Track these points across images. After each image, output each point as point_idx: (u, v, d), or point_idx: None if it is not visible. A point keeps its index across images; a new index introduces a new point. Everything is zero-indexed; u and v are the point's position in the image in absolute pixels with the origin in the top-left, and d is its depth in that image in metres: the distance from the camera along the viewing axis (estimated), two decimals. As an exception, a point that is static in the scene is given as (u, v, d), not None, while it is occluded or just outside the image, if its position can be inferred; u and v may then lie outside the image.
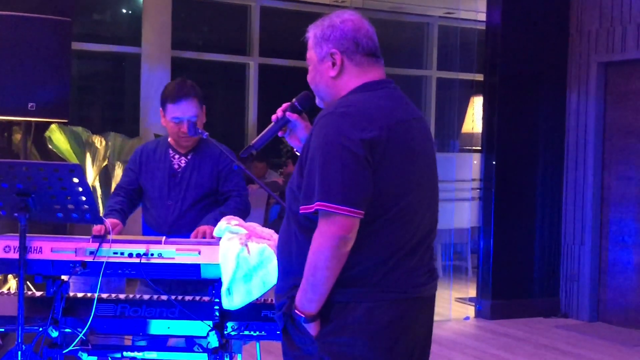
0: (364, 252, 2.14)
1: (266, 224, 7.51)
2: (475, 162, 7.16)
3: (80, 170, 2.76)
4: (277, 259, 2.36)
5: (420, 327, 2.29)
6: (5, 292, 3.25)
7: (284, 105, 2.54)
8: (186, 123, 3.37)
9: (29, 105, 4.56)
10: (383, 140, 2.13)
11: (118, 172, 5.41)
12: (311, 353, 2.21)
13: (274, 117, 2.55)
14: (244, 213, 3.36)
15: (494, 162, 6.76)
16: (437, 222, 2.37)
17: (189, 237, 3.23)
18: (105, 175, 5.58)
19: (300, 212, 2.17)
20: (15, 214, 2.78)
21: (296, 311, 2.19)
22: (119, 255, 2.90)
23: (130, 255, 2.90)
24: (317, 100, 2.42)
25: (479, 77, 7.15)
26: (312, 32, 2.34)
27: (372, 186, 2.12)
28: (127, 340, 3.56)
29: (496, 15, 6.79)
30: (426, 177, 2.28)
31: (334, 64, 2.29)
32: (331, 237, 2.08)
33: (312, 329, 2.18)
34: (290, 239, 2.27)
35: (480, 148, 7.15)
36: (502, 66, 6.78)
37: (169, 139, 3.52)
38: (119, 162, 5.49)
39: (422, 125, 2.31)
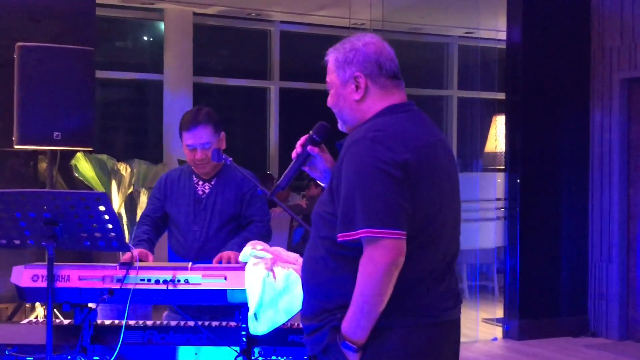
0: (399, 276, 2.11)
1: (289, 247, 7.50)
2: (499, 180, 7.13)
3: (106, 198, 2.78)
4: (302, 282, 2.34)
5: (448, 350, 2.28)
6: (34, 320, 3.27)
7: (302, 139, 2.51)
8: (200, 151, 3.40)
9: (55, 135, 4.61)
10: (414, 163, 2.13)
11: (143, 199, 5.44)
12: None
13: (294, 154, 2.52)
14: (266, 238, 3.38)
15: (518, 181, 6.72)
16: (459, 245, 2.35)
17: None
18: (130, 202, 5.62)
19: (339, 240, 2.14)
20: (43, 243, 2.80)
21: (346, 341, 2.14)
22: (145, 282, 2.91)
23: (157, 281, 2.91)
24: (339, 125, 2.40)
25: (501, 95, 7.13)
26: (333, 56, 2.33)
27: (411, 207, 2.11)
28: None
29: (517, 34, 6.78)
30: (450, 199, 2.27)
31: (357, 87, 2.27)
32: (383, 262, 2.06)
33: (355, 358, 2.15)
34: (317, 264, 2.24)
35: (504, 167, 7.11)
36: (524, 84, 6.76)
37: (188, 163, 3.56)
38: (143, 189, 5.53)
39: (445, 147, 2.31)
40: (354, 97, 2.28)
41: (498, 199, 7.11)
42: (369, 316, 2.10)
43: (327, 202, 2.23)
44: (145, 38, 9.69)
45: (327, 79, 2.36)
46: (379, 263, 2.06)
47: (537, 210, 6.78)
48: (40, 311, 4.72)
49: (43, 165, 5.28)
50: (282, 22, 9.45)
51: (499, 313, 7.07)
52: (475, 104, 8.26)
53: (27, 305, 4.93)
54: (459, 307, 2.32)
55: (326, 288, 2.21)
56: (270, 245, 3.13)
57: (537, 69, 6.80)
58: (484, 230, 7.00)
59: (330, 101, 2.36)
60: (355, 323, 2.12)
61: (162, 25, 8.87)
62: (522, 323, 6.68)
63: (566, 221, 6.86)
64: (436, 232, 2.19)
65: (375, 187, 2.09)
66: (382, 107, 2.27)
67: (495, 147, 7.97)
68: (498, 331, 6.82)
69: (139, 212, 5.35)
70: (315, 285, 2.26)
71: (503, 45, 7.03)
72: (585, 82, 6.94)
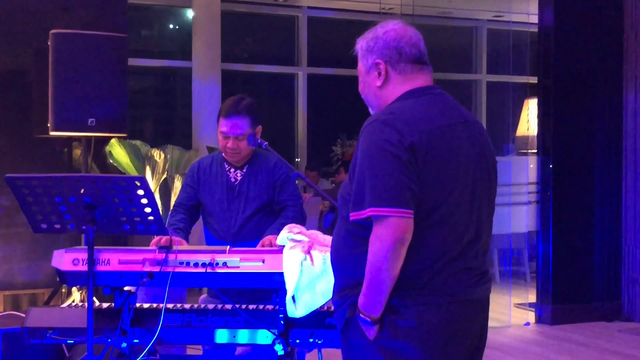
0: (410, 256, 2.18)
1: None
2: (531, 165, 7.07)
3: (145, 183, 2.80)
4: (332, 263, 2.42)
5: (472, 330, 2.32)
6: (73, 304, 3.30)
7: None
8: (232, 140, 3.42)
9: (89, 121, 4.64)
10: (424, 144, 2.19)
11: (177, 185, 5.48)
12: (367, 356, 2.26)
13: None
14: (301, 222, 3.40)
15: (550, 165, 6.66)
16: (489, 225, 2.38)
17: (252, 244, 3.26)
18: (164, 187, 5.66)
19: (351, 219, 2.23)
20: (84, 227, 2.83)
21: (361, 315, 2.23)
22: (184, 265, 2.93)
23: (196, 264, 2.92)
24: (370, 111, 2.48)
25: (533, 79, 7.07)
26: (359, 45, 2.42)
27: (418, 187, 2.17)
28: (190, 350, 3.61)
29: (548, 16, 6.70)
30: (473, 180, 2.29)
31: (379, 74, 2.36)
32: (388, 239, 2.13)
33: (372, 332, 2.23)
34: (340, 244, 2.34)
35: (536, 151, 7.05)
36: (556, 67, 6.69)
37: (223, 153, 3.57)
38: (177, 175, 5.56)
39: (472, 129, 2.34)
40: (376, 83, 2.37)
41: (530, 183, 7.05)
42: (379, 291, 2.18)
43: (348, 183, 2.32)
44: (171, 26, 9.72)
45: (357, 68, 2.46)
46: (385, 240, 2.13)
47: (569, 194, 6.72)
48: (77, 295, 4.77)
49: (77, 152, 5.33)
50: (309, 7, 9.42)
51: (532, 298, 7.04)
52: (506, 88, 8.20)
53: (64, 290, 4.98)
54: (486, 286, 2.35)
55: (347, 266, 2.30)
56: (309, 230, 3.13)
57: (570, 52, 6.73)
58: (516, 214, 6.96)
59: (360, 88, 2.46)
60: (368, 298, 2.20)
61: (189, 12, 8.89)
62: (554, 308, 6.64)
63: (599, 205, 6.80)
64: (449, 213, 2.22)
65: (383, 168, 2.16)
66: (403, 92, 2.34)
67: (527, 131, 7.90)
68: (531, 316, 6.79)
69: (173, 197, 5.39)
70: (338, 263, 2.36)
71: (534, 29, 6.96)
72: (618, 65, 6.86)
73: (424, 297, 2.20)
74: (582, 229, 6.75)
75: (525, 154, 8.02)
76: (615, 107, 6.85)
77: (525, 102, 8.18)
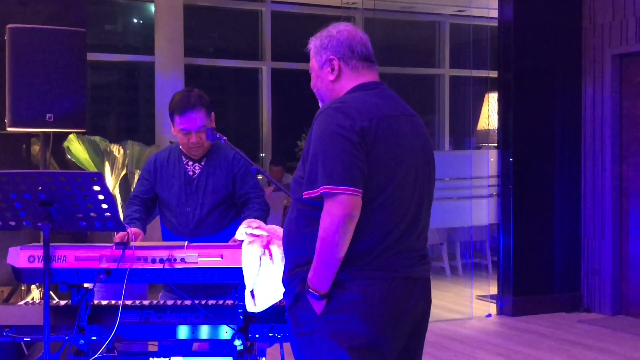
0: (358, 234, 2.33)
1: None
2: (492, 159, 7.14)
3: (101, 179, 2.78)
4: (283, 245, 2.54)
5: (413, 307, 2.45)
6: (30, 302, 3.27)
7: None
8: (195, 134, 3.40)
9: (47, 117, 4.60)
10: (372, 130, 2.37)
11: (137, 180, 5.43)
12: (314, 329, 2.39)
13: None
14: (265, 213, 3.43)
15: (510, 159, 6.74)
16: (428, 213, 2.56)
17: (211, 239, 3.26)
18: (124, 183, 5.61)
19: (304, 197, 2.37)
20: (39, 224, 2.80)
21: (310, 289, 2.35)
22: (142, 261, 2.92)
23: (154, 261, 2.92)
24: (320, 104, 2.63)
25: (493, 73, 7.14)
26: (313, 43, 2.61)
27: (367, 168, 2.34)
28: (152, 346, 3.59)
29: (508, 11, 6.77)
30: (415, 168, 2.47)
31: (332, 69, 2.55)
32: (339, 215, 2.28)
33: (319, 306, 2.36)
34: (291, 224, 2.48)
35: (496, 144, 7.11)
36: (516, 62, 6.76)
37: (181, 147, 3.55)
38: (137, 170, 5.51)
39: (414, 121, 2.54)
40: (329, 77, 2.56)
41: (491, 176, 7.12)
42: (328, 265, 2.32)
43: (301, 167, 2.46)
44: (135, 20, 9.64)
45: (310, 65, 2.64)
46: (335, 215, 2.28)
47: (530, 187, 6.81)
48: (36, 293, 4.72)
49: (36, 148, 5.27)
50: (273, 1, 9.40)
51: (493, 290, 7.12)
52: (467, 82, 8.26)
53: (23, 288, 4.93)
54: (426, 267, 2.52)
55: (298, 245, 2.44)
56: (268, 225, 3.13)
57: (529, 46, 6.80)
58: (477, 207, 7.02)
59: (312, 84, 2.65)
60: (317, 272, 2.34)
61: (152, 7, 8.81)
62: (515, 300, 6.73)
63: (559, 198, 6.90)
64: (394, 195, 2.39)
65: (335, 150, 2.32)
66: (353, 86, 2.53)
67: (488, 125, 7.98)
68: (492, 308, 6.87)
69: (133, 194, 5.34)
70: (289, 243, 2.49)
71: (495, 23, 7.02)
72: (577, 58, 6.95)
73: (369, 272, 2.35)
74: (543, 222, 6.84)
75: (486, 147, 8.10)
76: (574, 99, 6.95)
77: (486, 96, 8.25)
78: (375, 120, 2.39)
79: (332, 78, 2.56)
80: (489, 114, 7.99)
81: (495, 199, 7.05)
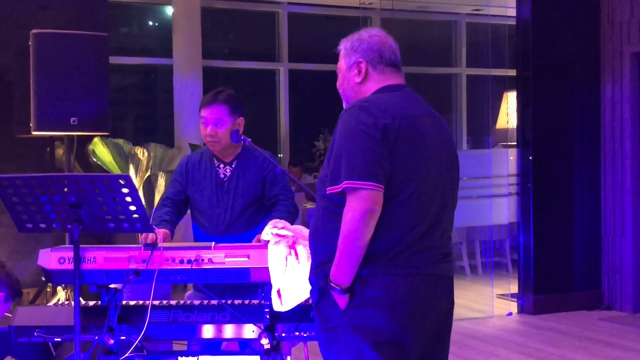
0: (381, 230, 2.36)
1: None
2: (511, 157, 7.14)
3: (130, 181, 2.82)
4: (309, 242, 2.58)
5: (436, 304, 2.48)
6: (60, 303, 3.33)
7: None
8: (211, 126, 3.45)
9: (71, 120, 4.65)
10: (395, 127, 2.41)
11: (161, 182, 5.49)
12: (339, 325, 2.42)
13: None
14: (294, 215, 3.47)
15: (530, 157, 6.73)
16: (451, 214, 2.58)
17: (242, 237, 3.36)
18: (148, 185, 5.67)
19: (327, 192, 2.42)
20: (69, 226, 2.84)
21: (332, 284, 2.39)
22: (170, 262, 2.96)
23: (181, 261, 2.96)
24: (344, 104, 2.69)
25: (512, 72, 7.14)
26: (344, 45, 2.66)
27: (389, 165, 2.37)
28: (177, 345, 3.63)
29: (526, 9, 6.76)
30: (437, 168, 2.50)
31: (360, 72, 2.60)
32: (360, 209, 2.31)
33: (343, 301, 2.39)
34: (317, 222, 2.51)
35: (515, 143, 7.12)
36: (534, 60, 6.76)
37: (205, 143, 3.61)
38: (161, 172, 5.57)
39: (437, 123, 2.58)
40: (355, 79, 2.61)
41: (510, 175, 7.12)
42: (350, 260, 2.35)
43: (325, 166, 2.51)
44: (151, 23, 9.70)
45: (338, 65, 2.69)
46: (357, 210, 2.32)
47: (549, 185, 6.80)
48: (62, 295, 4.78)
49: (60, 152, 5.33)
50: (289, 3, 9.44)
51: (514, 288, 7.11)
52: (485, 81, 8.26)
53: (49, 289, 4.99)
54: (448, 265, 2.54)
55: (323, 242, 2.48)
56: (294, 225, 3.17)
57: (547, 44, 6.80)
58: (497, 206, 7.03)
59: (338, 83, 2.69)
60: (339, 267, 2.38)
61: (168, 10, 8.87)
62: (536, 298, 6.72)
63: (579, 196, 6.88)
64: (416, 193, 2.42)
65: (357, 146, 2.37)
66: (378, 87, 2.58)
67: (507, 123, 7.97)
68: (513, 306, 6.87)
69: (157, 195, 5.40)
70: (315, 240, 2.53)
71: (513, 22, 7.02)
72: (595, 56, 6.93)
73: (391, 269, 2.38)
74: (563, 219, 6.83)
75: (505, 146, 8.10)
76: (593, 97, 6.93)
77: (505, 94, 8.24)
78: (398, 118, 2.43)
79: (358, 80, 2.61)
80: (508, 113, 7.99)
81: (514, 197, 7.05)
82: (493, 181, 6.96)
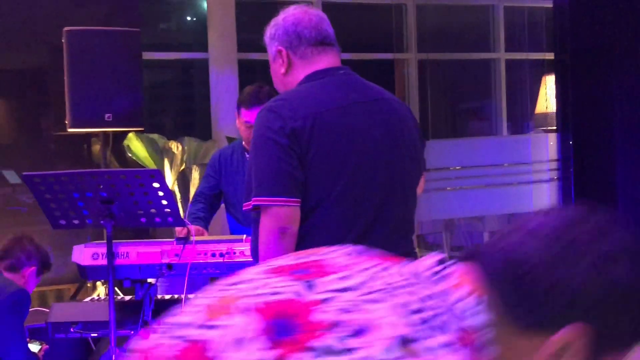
0: (314, 238, 2.12)
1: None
2: (551, 142, 7.03)
3: (160, 175, 2.83)
4: (251, 256, 2.38)
5: None
6: (96, 298, 3.35)
7: None
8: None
9: (106, 116, 4.67)
10: (307, 129, 2.13)
11: (195, 176, 5.51)
12: None
13: None
14: None
15: (570, 141, 6.62)
16: (401, 206, 2.28)
17: None
18: (183, 179, 5.68)
19: (243, 209, 2.22)
20: (102, 222, 2.86)
21: None
22: (202, 255, 2.96)
23: (214, 254, 2.95)
24: None
25: (550, 55, 7.02)
26: (265, 34, 2.40)
27: (302, 173, 2.12)
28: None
29: (563, -9, 6.65)
30: (372, 161, 2.20)
31: (282, 62, 2.31)
32: (271, 229, 2.09)
33: None
34: (254, 235, 2.27)
35: (555, 128, 7.00)
36: (573, 42, 6.63)
37: (243, 142, 3.58)
38: (195, 166, 5.59)
39: (375, 108, 2.25)
40: (281, 70, 2.32)
41: (551, 160, 7.02)
42: None
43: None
44: (189, 18, 9.73)
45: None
46: (268, 230, 2.10)
47: (591, 170, 6.67)
48: (101, 290, 4.82)
49: (96, 148, 5.38)
50: (323, -7, 9.39)
51: (556, 275, 7.00)
52: (523, 66, 8.13)
53: (89, 284, 5.04)
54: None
55: (255, 252, 2.24)
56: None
57: (586, 26, 6.66)
58: (537, 192, 6.92)
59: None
60: None
61: (204, 3, 8.89)
62: (580, 285, 6.61)
63: (621, 180, 6.74)
64: (344, 194, 2.15)
65: (265, 157, 2.13)
66: (303, 76, 2.28)
67: (546, 108, 7.84)
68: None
69: (192, 189, 5.41)
70: (254, 254, 2.28)
71: (550, 5, 6.90)
72: (637, 38, 6.77)
73: None
74: (605, 205, 6.67)
75: (546, 131, 7.97)
76: (634, 80, 6.78)
77: (543, 78, 8.10)
78: (310, 118, 2.13)
79: (283, 71, 2.32)
80: (547, 97, 7.85)
81: (555, 183, 6.95)
82: (533, 167, 6.86)
